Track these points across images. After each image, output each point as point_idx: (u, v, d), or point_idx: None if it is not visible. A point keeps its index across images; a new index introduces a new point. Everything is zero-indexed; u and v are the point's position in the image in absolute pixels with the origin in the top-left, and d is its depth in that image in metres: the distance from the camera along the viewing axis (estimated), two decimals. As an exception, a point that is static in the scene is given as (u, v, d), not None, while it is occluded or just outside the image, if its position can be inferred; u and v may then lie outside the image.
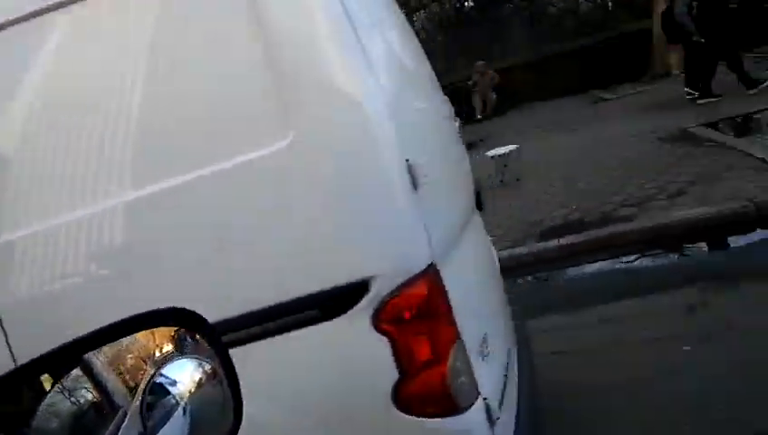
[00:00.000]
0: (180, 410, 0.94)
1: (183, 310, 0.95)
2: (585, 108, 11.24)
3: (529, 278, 4.62)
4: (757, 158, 5.10)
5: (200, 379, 0.97)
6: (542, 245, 4.75)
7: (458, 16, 21.54)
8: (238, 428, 0.87)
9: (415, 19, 23.80)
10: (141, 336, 0.96)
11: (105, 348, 0.92)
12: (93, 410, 0.95)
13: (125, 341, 0.93)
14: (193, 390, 0.96)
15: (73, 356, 0.89)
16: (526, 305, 4.02)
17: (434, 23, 23.91)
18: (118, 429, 0.92)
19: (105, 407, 0.95)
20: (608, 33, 14.58)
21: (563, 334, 3.44)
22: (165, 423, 0.93)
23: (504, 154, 6.99)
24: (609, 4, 20.13)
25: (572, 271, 4.52)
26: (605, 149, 7.16)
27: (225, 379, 0.94)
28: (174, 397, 0.94)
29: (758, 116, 7.06)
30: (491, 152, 7.21)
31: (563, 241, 4.64)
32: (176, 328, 0.97)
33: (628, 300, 3.62)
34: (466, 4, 22.30)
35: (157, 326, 0.96)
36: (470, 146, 10.86)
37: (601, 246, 4.52)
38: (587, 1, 23.28)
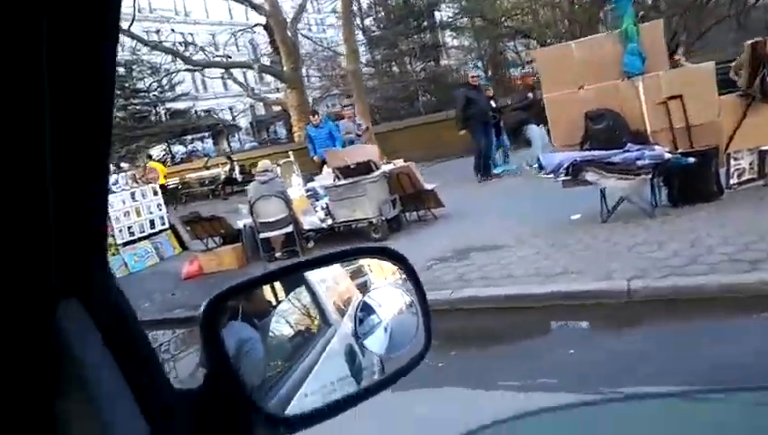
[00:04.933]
0: (382, 328, 1.14)
1: (390, 249, 1.18)
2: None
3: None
4: None
5: (400, 307, 1.17)
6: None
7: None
8: (426, 353, 1.06)
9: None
10: (361, 266, 1.19)
11: (328, 271, 1.14)
12: (314, 318, 1.13)
13: (347, 268, 1.17)
14: (395, 314, 1.15)
15: (300, 273, 1.10)
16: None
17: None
18: (332, 336, 1.12)
19: (322, 319, 1.14)
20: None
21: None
22: (370, 335, 1.13)
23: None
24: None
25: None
26: None
27: (420, 309, 1.14)
28: (378, 316, 1.14)
29: None
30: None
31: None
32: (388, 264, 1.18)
33: None
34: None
35: (372, 257, 1.19)
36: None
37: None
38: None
